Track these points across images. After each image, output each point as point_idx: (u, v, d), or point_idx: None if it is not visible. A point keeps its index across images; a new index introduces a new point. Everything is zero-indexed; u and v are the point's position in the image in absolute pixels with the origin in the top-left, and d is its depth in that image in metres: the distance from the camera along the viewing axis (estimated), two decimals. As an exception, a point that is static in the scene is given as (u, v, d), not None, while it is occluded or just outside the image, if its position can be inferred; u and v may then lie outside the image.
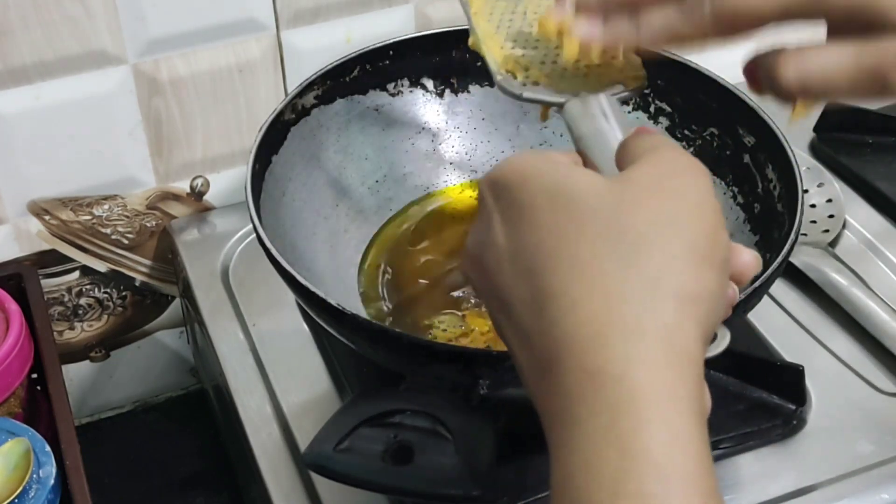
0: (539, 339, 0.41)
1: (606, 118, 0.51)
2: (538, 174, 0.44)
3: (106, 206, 0.84)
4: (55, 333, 0.84)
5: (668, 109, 0.77)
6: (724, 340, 0.44)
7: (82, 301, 0.88)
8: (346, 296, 0.71)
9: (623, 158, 0.46)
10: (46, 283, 0.85)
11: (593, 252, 0.41)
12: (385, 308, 0.73)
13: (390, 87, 0.79)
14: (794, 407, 0.68)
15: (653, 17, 0.50)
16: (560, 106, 0.53)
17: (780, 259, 0.62)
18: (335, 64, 0.76)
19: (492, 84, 0.73)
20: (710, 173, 0.44)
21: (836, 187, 0.85)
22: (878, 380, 0.72)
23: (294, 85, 0.75)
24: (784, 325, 0.75)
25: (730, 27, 0.50)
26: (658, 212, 0.42)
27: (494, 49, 0.56)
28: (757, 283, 0.61)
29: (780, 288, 0.78)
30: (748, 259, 0.45)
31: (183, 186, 0.86)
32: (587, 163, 0.49)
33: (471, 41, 0.57)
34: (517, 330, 0.43)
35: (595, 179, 0.44)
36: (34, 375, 0.75)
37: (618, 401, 0.38)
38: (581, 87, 0.54)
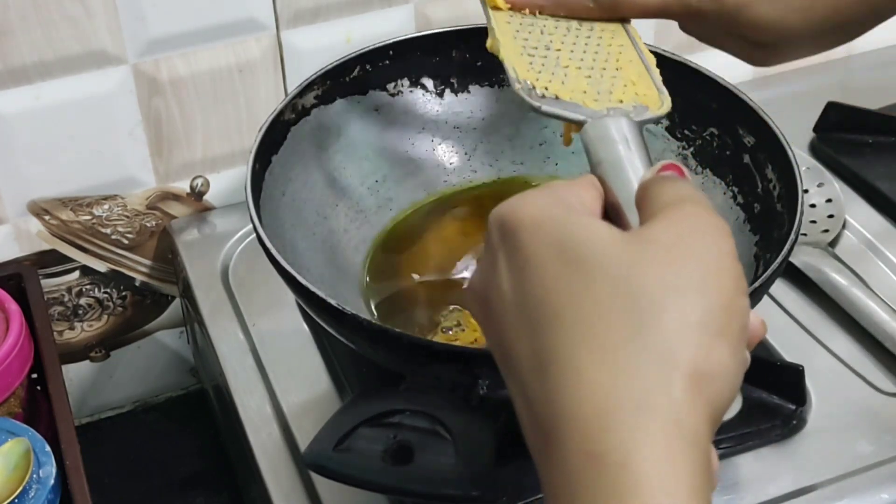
0: (541, 405, 0.39)
1: (628, 145, 0.49)
2: (550, 221, 0.41)
3: (106, 206, 0.84)
4: (55, 333, 0.84)
5: (669, 109, 0.77)
6: (735, 406, 0.41)
7: (82, 301, 0.88)
8: (347, 296, 0.71)
9: (643, 205, 0.44)
10: (46, 283, 0.85)
11: (601, 316, 0.39)
12: (385, 308, 0.73)
13: (390, 87, 0.79)
14: (793, 407, 0.68)
15: None
16: (579, 124, 0.51)
17: (780, 259, 0.62)
18: (335, 64, 0.76)
19: (492, 84, 0.73)
20: (731, 234, 0.42)
21: (836, 187, 0.85)
22: (878, 380, 0.72)
23: (294, 85, 0.75)
24: (784, 325, 0.75)
25: (611, 11, 0.58)
26: (674, 277, 0.39)
27: (513, 55, 0.54)
28: (757, 283, 0.61)
29: (780, 288, 0.78)
30: (755, 324, 0.43)
31: (183, 186, 0.86)
32: (605, 189, 0.47)
33: (489, 43, 0.55)
34: (519, 387, 0.41)
35: (610, 234, 0.41)
36: (34, 375, 0.75)
37: (621, 489, 0.36)
38: (602, 106, 0.51)
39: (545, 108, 0.52)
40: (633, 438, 0.37)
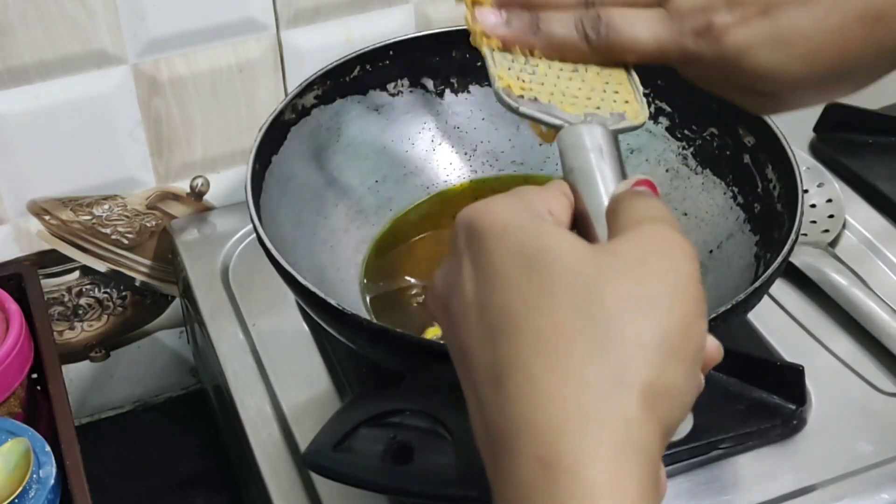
0: (495, 412, 0.39)
1: (601, 154, 0.49)
2: (517, 229, 0.41)
3: (106, 206, 0.84)
4: (55, 333, 0.84)
5: (668, 109, 0.77)
6: (686, 426, 0.43)
7: (82, 301, 0.88)
8: (347, 296, 0.71)
9: (613, 218, 0.44)
10: (46, 283, 0.85)
11: (560, 327, 0.39)
12: (383, 307, 0.73)
13: (390, 87, 0.79)
14: (794, 407, 0.68)
15: (553, 25, 0.53)
16: (556, 129, 0.51)
17: (780, 259, 0.62)
18: (335, 64, 0.76)
19: (492, 84, 0.72)
20: (696, 257, 0.42)
21: (836, 187, 0.85)
22: (878, 380, 0.72)
23: (294, 85, 0.75)
24: (784, 325, 0.75)
25: (605, 55, 0.53)
26: (635, 295, 0.39)
27: (496, 52, 0.54)
28: (757, 283, 0.61)
29: (780, 288, 0.78)
30: (712, 348, 0.43)
31: (183, 186, 0.86)
32: (575, 196, 0.47)
33: (472, 38, 0.56)
34: (474, 392, 0.41)
35: (576, 247, 0.41)
36: (34, 375, 0.75)
37: (571, 497, 0.37)
38: (579, 111, 0.51)
39: (523, 108, 0.52)
40: (584, 447, 0.37)
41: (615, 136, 0.51)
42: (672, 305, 0.40)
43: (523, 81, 0.53)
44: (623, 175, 0.48)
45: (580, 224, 0.47)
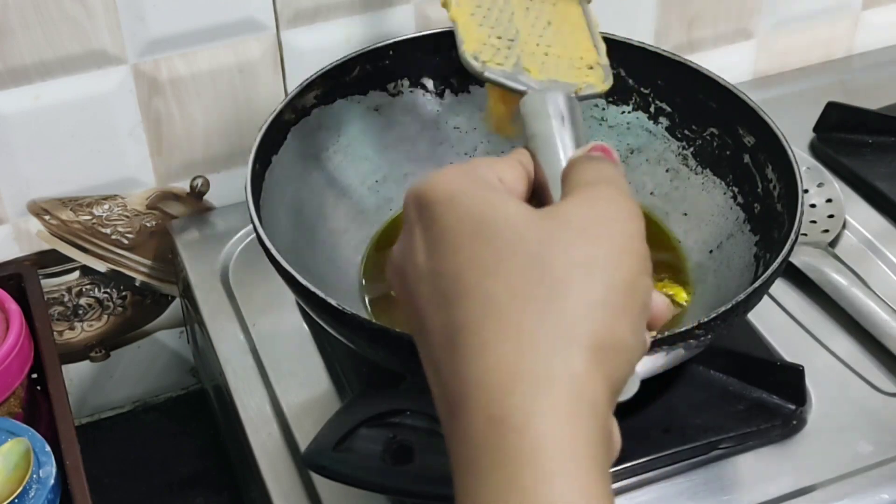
0: (449, 375, 0.40)
1: (562, 121, 0.50)
2: (466, 197, 0.42)
3: (106, 206, 0.84)
4: (55, 333, 0.84)
5: (668, 109, 0.77)
6: (633, 386, 0.43)
7: (82, 301, 0.88)
8: (346, 296, 0.71)
9: (565, 182, 0.45)
10: (46, 283, 0.85)
11: (509, 290, 0.40)
12: (384, 308, 0.73)
13: (390, 87, 0.79)
14: (794, 407, 0.68)
15: None
16: (520, 94, 0.51)
17: (780, 259, 0.62)
18: (335, 64, 0.76)
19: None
20: (642, 216, 0.43)
21: (836, 187, 0.85)
22: (878, 380, 0.72)
23: (294, 85, 0.75)
24: (784, 325, 0.75)
25: None
26: (580, 256, 0.41)
27: (468, 23, 0.55)
28: (757, 283, 0.61)
29: (780, 288, 0.78)
30: (660, 305, 0.44)
31: (183, 186, 0.86)
32: (535, 163, 0.47)
33: (443, 2, 0.56)
34: (430, 359, 0.42)
35: (523, 213, 0.42)
36: (34, 375, 0.75)
37: (520, 452, 0.38)
38: (545, 77, 0.52)
39: (488, 74, 0.53)
40: (533, 404, 0.38)
41: (578, 103, 0.51)
42: (617, 263, 0.41)
43: (492, 47, 0.53)
44: (582, 141, 0.48)
45: (540, 191, 0.47)
